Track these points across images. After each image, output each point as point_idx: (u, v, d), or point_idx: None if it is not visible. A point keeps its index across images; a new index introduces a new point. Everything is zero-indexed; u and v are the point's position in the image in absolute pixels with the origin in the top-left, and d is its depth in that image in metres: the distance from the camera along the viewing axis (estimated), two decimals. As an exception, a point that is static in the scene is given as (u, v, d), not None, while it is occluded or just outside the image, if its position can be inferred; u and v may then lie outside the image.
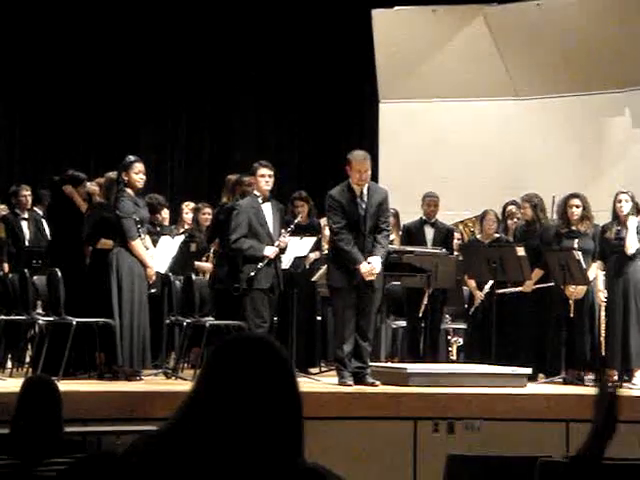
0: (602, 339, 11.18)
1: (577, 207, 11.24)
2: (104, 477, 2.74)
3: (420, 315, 11.94)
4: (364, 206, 10.14)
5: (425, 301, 11.86)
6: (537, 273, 11.46)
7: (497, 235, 12.35)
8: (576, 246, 11.10)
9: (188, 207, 13.25)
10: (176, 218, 13.42)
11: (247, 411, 2.45)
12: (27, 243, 12.62)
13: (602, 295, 11.23)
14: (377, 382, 10.00)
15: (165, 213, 12.71)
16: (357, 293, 10.10)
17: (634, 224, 10.94)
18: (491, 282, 11.79)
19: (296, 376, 2.58)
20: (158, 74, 17.23)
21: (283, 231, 10.73)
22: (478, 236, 12.74)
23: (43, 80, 16.71)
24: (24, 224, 12.75)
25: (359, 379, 10.04)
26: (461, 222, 13.72)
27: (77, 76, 16.82)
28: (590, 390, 10.49)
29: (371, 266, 9.97)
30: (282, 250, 10.76)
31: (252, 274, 10.40)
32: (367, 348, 10.22)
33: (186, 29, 17.01)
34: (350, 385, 9.98)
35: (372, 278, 10.02)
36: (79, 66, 16.77)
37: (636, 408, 9.21)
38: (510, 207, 12.70)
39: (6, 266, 12.10)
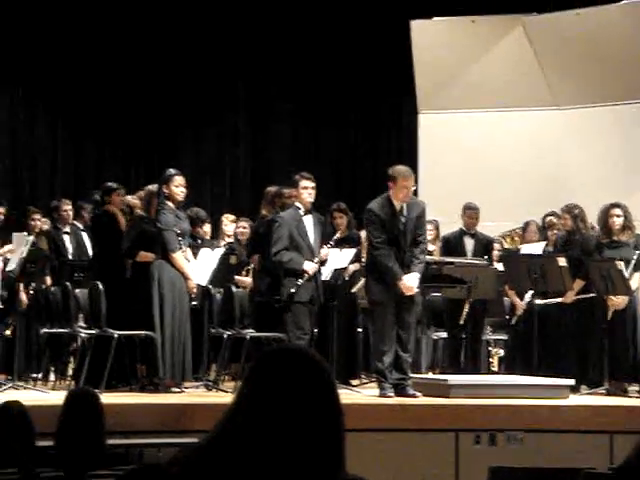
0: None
1: (618, 217, 11.20)
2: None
3: (461, 323, 11.90)
4: (404, 221, 10.14)
5: (466, 309, 11.83)
6: (578, 283, 11.40)
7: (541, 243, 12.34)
8: (618, 256, 11.06)
9: (228, 219, 13.27)
10: (216, 231, 13.45)
11: (288, 423, 2.45)
12: (69, 257, 12.67)
13: None
14: (418, 394, 9.99)
15: (207, 227, 12.73)
16: (397, 305, 10.10)
17: None
18: (531, 292, 11.77)
19: (337, 388, 2.58)
20: (198, 87, 17.28)
21: (324, 246, 10.74)
22: (520, 246, 12.73)
23: (84, 94, 16.78)
24: (66, 238, 12.81)
25: (400, 391, 10.03)
26: (508, 235, 13.65)
27: (117, 90, 16.88)
28: (634, 401, 10.44)
29: (410, 284, 10.00)
30: (322, 262, 10.77)
31: (293, 291, 10.41)
32: (407, 359, 10.21)
33: (224, 43, 17.05)
34: (391, 397, 9.97)
35: (411, 293, 10.04)
36: (120, 80, 16.83)
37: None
38: (550, 218, 12.67)
39: (49, 279, 12.16)
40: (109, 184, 11.54)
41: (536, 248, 12.32)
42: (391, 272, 10.01)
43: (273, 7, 16.93)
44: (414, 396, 9.95)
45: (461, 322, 11.87)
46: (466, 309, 11.82)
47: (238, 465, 2.44)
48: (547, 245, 12.42)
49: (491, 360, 13.46)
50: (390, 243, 10.10)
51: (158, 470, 2.60)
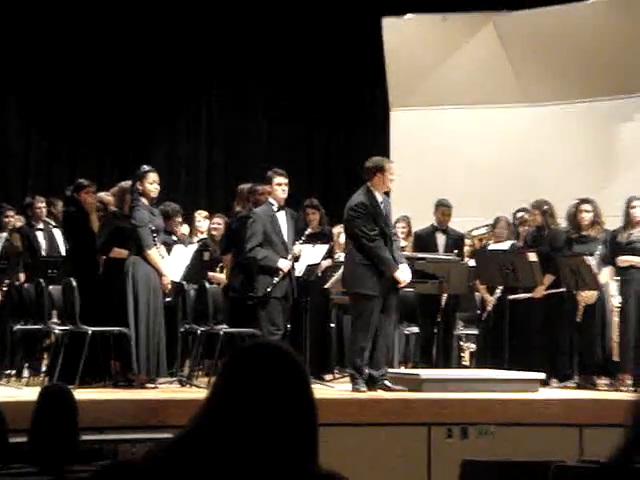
0: (614, 344, 11.17)
1: (587, 212, 11.26)
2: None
3: (439, 319, 11.96)
4: (385, 212, 10.19)
5: (443, 303, 11.90)
6: (548, 278, 11.46)
7: (510, 242, 12.38)
8: (587, 251, 11.11)
9: (201, 215, 13.26)
10: (190, 227, 13.45)
11: (262, 418, 2.46)
12: (43, 253, 12.65)
13: (615, 300, 11.22)
14: (396, 387, 10.03)
15: (184, 228, 12.71)
16: (384, 301, 10.13)
17: None
18: (501, 287, 11.82)
19: (311, 383, 2.59)
20: (171, 84, 17.27)
21: (296, 242, 10.76)
22: (489, 242, 12.76)
23: (56, 92, 16.75)
24: (39, 235, 12.78)
25: (380, 385, 10.06)
26: (477, 237, 13.70)
27: (90, 86, 16.85)
28: (604, 395, 10.50)
29: (405, 275, 10.08)
30: (296, 258, 10.78)
31: (269, 290, 10.42)
32: (384, 354, 10.27)
33: (197, 39, 17.05)
34: (364, 392, 10.00)
35: (404, 285, 10.13)
36: (93, 77, 16.80)
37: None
38: (521, 214, 12.69)
39: (22, 276, 12.14)
40: (80, 181, 11.50)
41: (504, 246, 12.37)
42: (389, 263, 10.05)
43: (246, 4, 16.90)
44: (393, 389, 9.98)
45: (438, 319, 11.93)
46: (443, 304, 11.90)
47: (212, 459, 2.45)
48: (518, 241, 12.46)
49: (462, 354, 13.50)
50: (381, 235, 10.14)
51: (131, 466, 2.61)
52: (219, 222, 12.90)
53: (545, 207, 11.91)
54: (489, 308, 12.22)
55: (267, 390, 2.49)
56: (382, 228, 10.12)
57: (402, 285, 10.16)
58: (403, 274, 10.11)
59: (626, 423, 3.29)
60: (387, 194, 10.48)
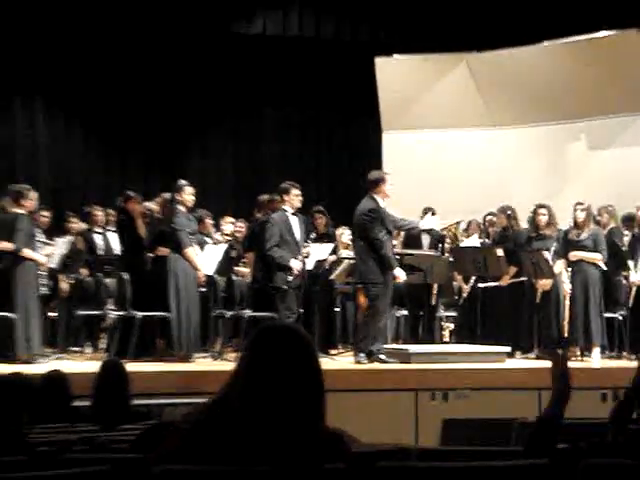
0: (565, 323, 11.18)
1: (544, 215, 11.27)
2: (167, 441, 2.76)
3: (433, 304, 11.98)
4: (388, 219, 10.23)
5: (434, 292, 11.92)
6: (512, 270, 11.46)
7: (481, 240, 12.39)
8: (544, 247, 11.12)
9: (226, 220, 13.31)
10: (217, 229, 13.49)
11: (279, 384, 2.48)
12: (100, 252, 12.63)
13: (567, 287, 11.23)
14: (390, 360, 10.02)
15: (210, 222, 12.70)
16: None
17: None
18: (474, 277, 11.83)
19: (318, 356, 2.60)
20: (201, 112, 17.25)
21: (305, 244, 10.77)
22: (463, 239, 12.75)
23: (113, 114, 16.70)
24: (97, 237, 12.77)
25: (375, 358, 10.06)
26: (444, 228, 13.70)
27: (139, 112, 16.81)
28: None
29: (399, 275, 10.17)
30: (306, 256, 10.80)
31: (285, 287, 10.43)
32: (379, 333, 10.28)
33: (225, 75, 17.05)
34: (364, 363, 10.00)
35: (400, 281, 10.22)
36: (140, 103, 16.77)
37: (592, 378, 9.22)
38: (489, 217, 12.73)
39: (84, 271, 12.14)
40: (128, 192, 11.50)
41: (473, 241, 12.37)
42: (392, 262, 10.08)
43: (263, 46, 16.89)
44: (387, 362, 9.98)
45: (433, 302, 11.92)
46: (434, 292, 11.90)
47: (238, 419, 2.47)
48: (487, 239, 12.47)
49: (443, 333, 13.49)
50: (387, 234, 10.18)
51: (171, 425, 2.63)
52: (241, 226, 12.93)
53: (509, 211, 11.92)
54: (464, 295, 12.23)
55: (283, 362, 2.50)
56: (387, 228, 10.15)
57: (398, 280, 10.15)
58: (400, 271, 10.13)
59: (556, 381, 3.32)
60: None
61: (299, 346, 2.56)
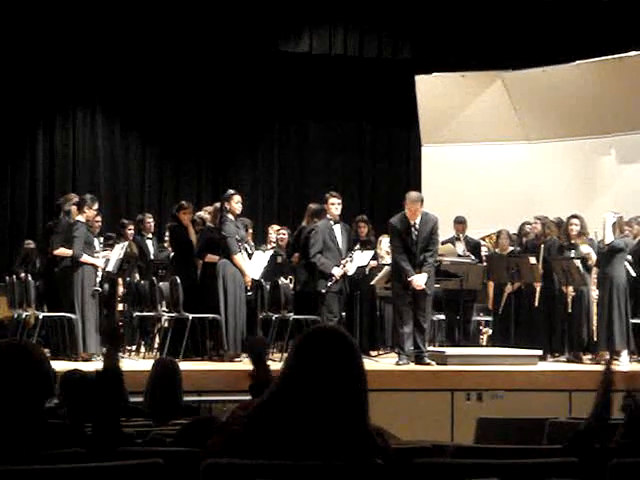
0: (594, 328, 11.10)
1: (576, 225, 11.20)
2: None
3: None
4: (416, 233, 10.17)
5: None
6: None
7: (511, 248, 12.32)
8: (575, 256, 11.06)
9: (273, 229, 13.35)
10: (264, 237, 13.54)
11: (325, 384, 2.48)
12: (151, 257, 12.69)
13: (594, 294, 11.15)
14: (433, 362, 9.99)
15: (250, 230, 12.72)
16: (414, 297, 10.13)
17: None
18: (509, 285, 11.78)
19: (361, 357, 2.60)
20: (251, 126, 17.30)
21: (348, 259, 10.72)
22: (496, 250, 12.71)
23: (168, 130, 16.83)
24: (149, 242, 12.84)
25: (419, 360, 10.04)
26: (487, 236, 13.65)
27: (194, 127, 16.91)
28: (587, 367, 10.42)
29: (418, 281, 10.01)
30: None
31: (324, 291, 10.44)
32: (424, 337, 10.22)
33: (273, 90, 17.11)
34: (404, 364, 9.98)
35: (420, 289, 10.03)
36: (195, 118, 16.86)
37: (619, 380, 9.13)
38: (525, 227, 12.65)
39: (137, 275, 12.21)
40: (181, 202, 11.59)
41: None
42: (405, 271, 10.05)
43: (309, 62, 16.93)
44: (429, 364, 9.95)
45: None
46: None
47: (287, 417, 2.47)
48: (520, 247, 12.39)
49: (481, 336, 13.43)
50: (405, 249, 10.14)
51: (213, 421, 2.64)
52: (284, 233, 12.96)
53: (545, 220, 11.91)
54: (503, 302, 12.11)
55: (328, 362, 2.50)
56: (406, 244, 10.12)
57: (416, 287, 10.08)
58: (415, 281, 10.05)
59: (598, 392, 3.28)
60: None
61: (344, 347, 2.56)
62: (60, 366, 8.71)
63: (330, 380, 2.49)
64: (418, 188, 14.77)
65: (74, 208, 10.80)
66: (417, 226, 10.17)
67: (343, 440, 2.45)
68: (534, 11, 15.97)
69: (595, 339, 11.04)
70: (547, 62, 14.92)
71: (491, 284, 12.25)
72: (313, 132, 17.87)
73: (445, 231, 12.86)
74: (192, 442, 3.54)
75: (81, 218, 10.54)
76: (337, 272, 10.53)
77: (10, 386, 3.03)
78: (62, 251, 10.58)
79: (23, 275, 11.68)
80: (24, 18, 14.96)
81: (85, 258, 10.35)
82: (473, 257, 12.36)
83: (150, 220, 13.07)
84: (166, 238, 12.52)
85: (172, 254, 11.82)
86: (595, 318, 11.06)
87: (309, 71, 16.99)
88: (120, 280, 11.64)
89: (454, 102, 15.58)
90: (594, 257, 11.06)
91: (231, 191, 10.88)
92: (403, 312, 10.14)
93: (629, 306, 10.88)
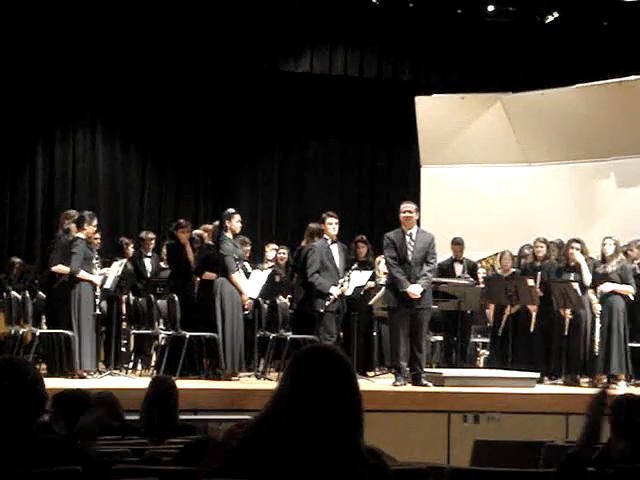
0: (596, 351, 11.06)
1: (577, 249, 11.19)
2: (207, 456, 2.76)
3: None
4: (412, 243, 10.18)
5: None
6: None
7: (513, 270, 12.30)
8: (574, 279, 11.05)
9: (269, 247, 13.34)
10: (261, 255, 13.53)
11: (319, 403, 2.47)
12: (148, 275, 12.63)
13: (597, 310, 11.06)
14: (430, 384, 9.96)
15: (248, 248, 12.70)
16: (411, 315, 10.11)
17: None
18: (508, 307, 11.75)
19: (356, 377, 2.59)
20: (250, 147, 17.36)
21: (345, 278, 10.71)
22: (498, 271, 12.70)
23: (169, 145, 16.86)
24: (147, 261, 12.78)
25: (416, 381, 10.02)
26: (483, 259, 13.63)
27: (193, 148, 16.95)
28: (584, 390, 10.40)
29: (413, 291, 9.99)
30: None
31: (322, 310, 10.45)
32: (420, 357, 10.20)
33: (273, 110, 17.15)
34: (400, 385, 9.95)
35: (415, 297, 10.01)
36: (196, 140, 16.91)
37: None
38: (524, 250, 12.63)
39: (131, 294, 12.14)
40: (180, 221, 11.60)
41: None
42: (399, 282, 10.05)
43: (309, 82, 16.97)
44: (426, 385, 9.92)
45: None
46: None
47: (282, 437, 2.46)
48: (519, 269, 12.38)
49: (478, 359, 13.40)
50: (400, 261, 10.15)
51: (211, 441, 2.63)
52: (284, 252, 12.96)
53: (549, 243, 11.90)
54: (502, 324, 12.07)
55: (323, 382, 2.49)
56: (402, 255, 10.12)
57: (412, 296, 10.07)
58: (410, 291, 10.04)
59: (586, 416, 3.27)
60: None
61: (338, 367, 2.55)
62: (56, 383, 8.71)
63: (324, 398, 2.48)
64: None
65: (73, 225, 10.80)
66: (413, 237, 10.19)
67: (336, 461, 2.44)
68: (534, 34, 16.04)
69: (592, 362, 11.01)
70: (547, 85, 14.95)
71: (492, 306, 12.23)
72: (313, 152, 17.91)
73: (444, 252, 12.86)
74: (192, 461, 3.53)
75: (81, 235, 10.54)
76: (335, 291, 10.54)
77: (1, 402, 3.03)
78: (60, 268, 10.58)
79: (20, 292, 11.66)
80: (26, 34, 15.01)
81: (83, 274, 10.34)
82: (471, 279, 12.36)
83: (152, 237, 13.00)
84: (163, 257, 12.51)
85: (169, 272, 11.80)
86: (597, 341, 10.99)
87: (309, 91, 17.03)
88: (122, 298, 11.63)
89: (454, 124, 15.60)
90: (588, 280, 11.02)
91: (231, 210, 10.92)
92: (399, 331, 10.12)
93: (627, 330, 10.87)
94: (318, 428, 2.46)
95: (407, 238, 10.19)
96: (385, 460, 2.54)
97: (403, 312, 10.10)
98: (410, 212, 10.26)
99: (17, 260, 13.49)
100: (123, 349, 11.79)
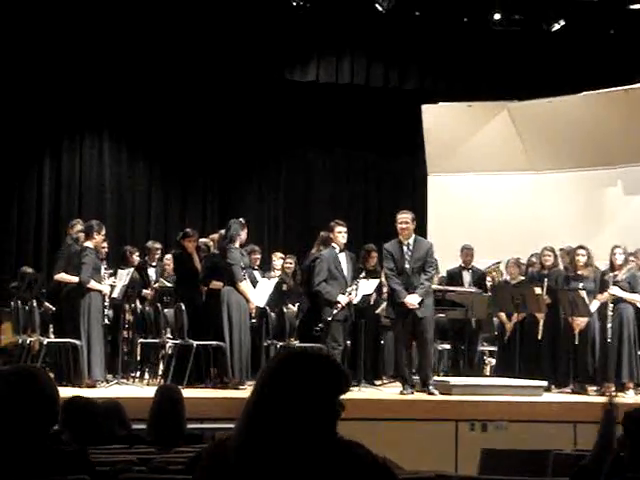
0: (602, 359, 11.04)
1: (583, 256, 11.17)
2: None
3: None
4: (410, 254, 10.18)
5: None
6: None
7: (522, 277, 12.26)
8: (581, 287, 11.03)
9: (276, 256, 13.33)
10: (268, 264, 13.52)
11: (292, 401, 2.46)
12: (153, 284, 12.61)
13: (597, 325, 11.04)
14: (437, 392, 9.94)
15: (257, 256, 12.69)
16: (413, 324, 10.10)
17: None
18: (516, 315, 11.72)
19: (344, 384, 2.54)
20: (257, 157, 17.38)
21: (353, 287, 10.69)
22: (507, 277, 12.68)
23: (176, 155, 16.87)
24: (151, 271, 12.77)
25: (423, 390, 10.01)
26: (493, 270, 13.59)
27: (199, 157, 16.98)
28: (592, 398, 10.36)
29: (411, 301, 9.99)
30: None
31: (329, 319, 10.44)
32: (428, 366, 10.19)
33: (280, 119, 17.16)
34: (407, 394, 9.94)
35: (413, 308, 9.99)
36: (202, 150, 16.93)
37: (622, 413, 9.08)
38: (531, 258, 12.61)
39: (138, 302, 12.13)
40: (186, 230, 11.58)
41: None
42: (397, 292, 10.06)
43: (315, 91, 16.99)
44: (434, 394, 9.91)
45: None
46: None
47: (259, 436, 2.45)
48: (526, 277, 12.35)
49: (485, 366, 13.37)
50: (398, 271, 10.16)
51: (220, 443, 2.62)
52: (291, 261, 12.95)
53: (556, 252, 11.88)
54: (508, 333, 12.05)
55: (292, 380, 2.48)
56: (399, 265, 10.13)
57: (410, 307, 10.06)
58: (408, 301, 10.04)
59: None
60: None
61: (304, 366, 2.52)
62: (64, 392, 8.70)
63: (297, 396, 2.46)
64: (424, 217, 14.83)
65: (81, 235, 10.82)
66: (410, 246, 10.20)
67: (312, 459, 2.41)
68: (541, 42, 16.03)
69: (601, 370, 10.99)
70: (553, 93, 14.96)
71: (502, 314, 12.19)
72: (319, 160, 17.92)
73: (451, 260, 12.86)
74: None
75: (89, 244, 10.55)
76: (343, 300, 10.53)
77: (15, 412, 3.02)
78: (62, 276, 10.60)
79: (27, 301, 11.66)
80: (34, 44, 15.04)
81: (92, 284, 10.35)
82: (479, 288, 12.34)
83: (158, 247, 13.00)
84: (166, 267, 12.49)
85: (176, 281, 11.81)
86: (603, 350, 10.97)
87: (316, 100, 17.04)
88: (127, 307, 11.63)
89: (460, 132, 15.61)
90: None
91: (243, 220, 10.96)
92: (403, 339, 10.12)
93: (637, 338, 10.85)
94: (292, 424, 2.44)
95: (404, 248, 10.21)
96: (366, 450, 2.50)
97: (403, 323, 10.10)
98: (407, 222, 10.29)
99: (29, 270, 13.44)
100: (125, 357, 11.78)
